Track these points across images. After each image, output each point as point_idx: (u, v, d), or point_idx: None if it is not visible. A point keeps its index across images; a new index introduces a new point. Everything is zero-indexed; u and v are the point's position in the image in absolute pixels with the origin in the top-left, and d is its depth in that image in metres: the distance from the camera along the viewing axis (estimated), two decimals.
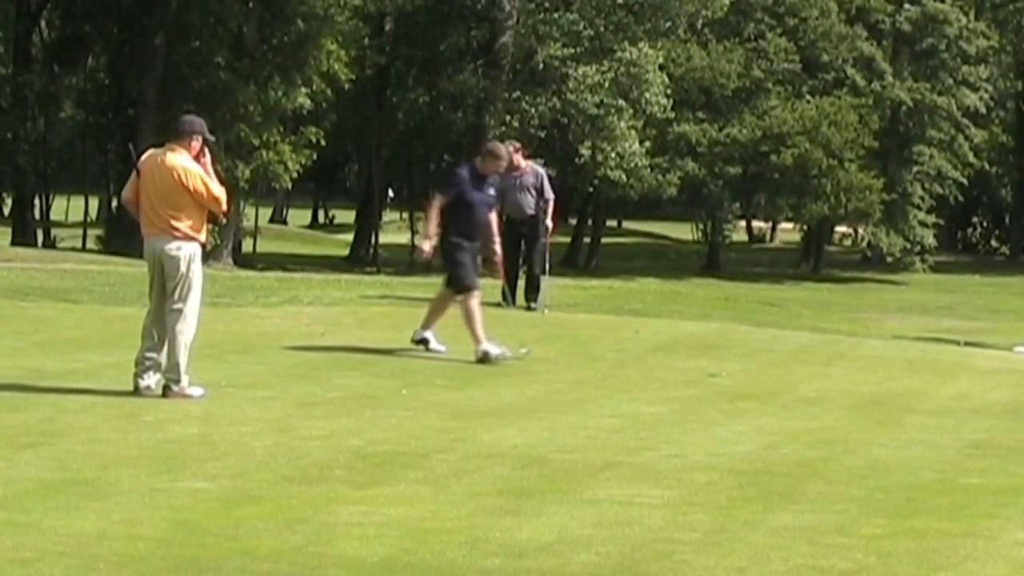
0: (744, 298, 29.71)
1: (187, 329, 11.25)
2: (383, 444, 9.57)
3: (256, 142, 39.58)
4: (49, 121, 46.81)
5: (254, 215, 55.46)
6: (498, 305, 18.77)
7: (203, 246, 11.51)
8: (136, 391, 11.22)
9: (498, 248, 15.14)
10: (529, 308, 18.35)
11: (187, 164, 11.24)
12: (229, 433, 9.76)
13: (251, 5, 40.69)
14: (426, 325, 14.66)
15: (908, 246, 60.90)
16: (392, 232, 62.82)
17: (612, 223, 75.64)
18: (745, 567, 6.63)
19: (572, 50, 43.50)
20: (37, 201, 46.44)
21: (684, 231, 73.02)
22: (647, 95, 44.23)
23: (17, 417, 10.11)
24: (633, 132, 44.91)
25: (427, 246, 14.86)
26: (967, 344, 21.12)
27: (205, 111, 32.66)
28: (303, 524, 7.21)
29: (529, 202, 18.40)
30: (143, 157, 11.58)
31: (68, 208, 62.11)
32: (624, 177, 44.67)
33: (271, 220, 78.30)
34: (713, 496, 8.15)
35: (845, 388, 13.59)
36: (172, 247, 11.23)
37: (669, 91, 45.94)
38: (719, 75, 56.54)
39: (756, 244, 79.34)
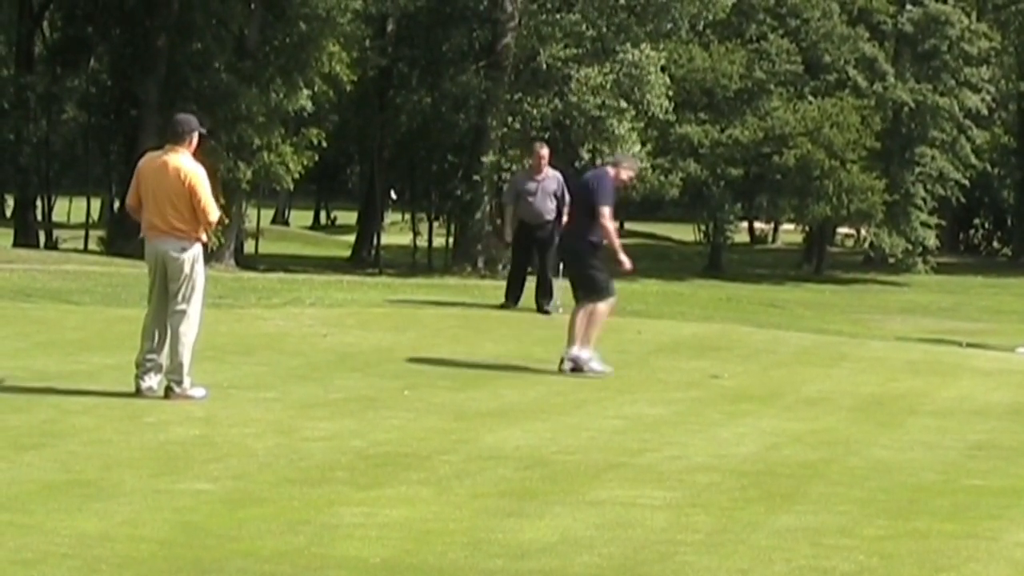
0: (746, 299, 29.70)
1: (190, 330, 11.26)
2: (385, 445, 9.57)
3: (258, 143, 39.53)
4: (51, 122, 46.77)
5: (256, 216, 55.46)
6: (501, 307, 18.80)
7: (205, 247, 11.52)
8: (138, 392, 11.23)
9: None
10: (543, 311, 18.27)
11: (189, 165, 11.25)
12: (231, 434, 9.76)
13: (253, 7, 40.66)
14: (583, 343, 13.82)
15: (910, 247, 60.87)
16: (394, 233, 62.81)
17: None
18: (747, 568, 6.63)
19: (574, 51, 43.49)
20: (39, 202, 46.41)
21: (686, 232, 72.96)
22: (649, 96, 44.17)
23: (19, 418, 10.12)
24: (635, 133, 44.87)
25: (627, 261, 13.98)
26: (969, 345, 21.14)
27: (207, 112, 32.68)
28: (305, 525, 7.21)
29: (549, 208, 18.31)
30: (144, 159, 11.58)
31: (70, 209, 62.10)
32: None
33: (273, 221, 78.26)
34: (715, 497, 8.15)
35: (847, 389, 13.60)
36: (175, 248, 11.23)
37: (671, 92, 45.90)
38: (721, 76, 56.53)
39: (758, 245, 79.30)
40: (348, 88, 43.99)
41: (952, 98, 61.72)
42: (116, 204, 42.77)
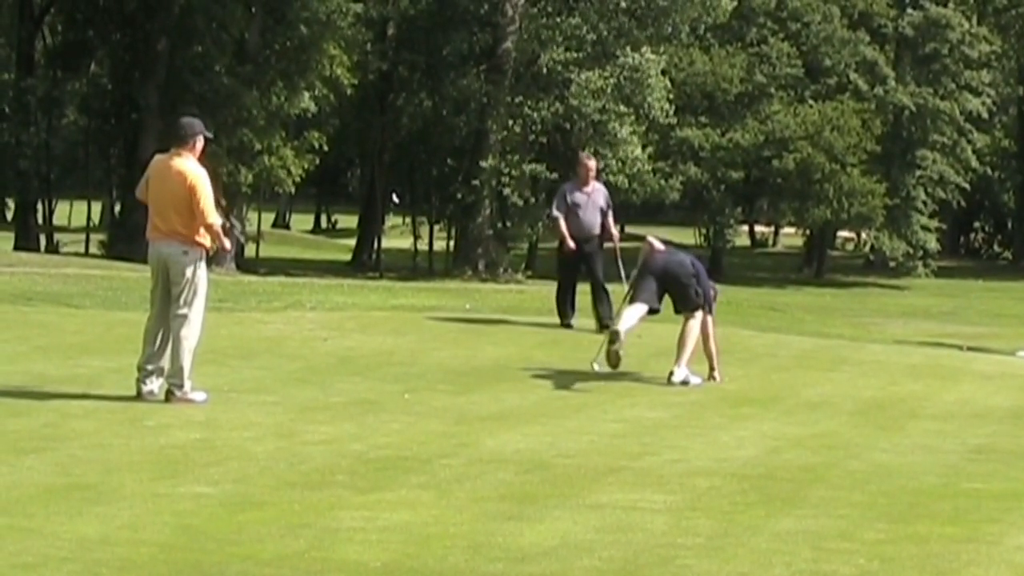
0: (747, 303, 29.70)
1: (191, 334, 11.25)
2: (385, 449, 9.57)
3: (259, 147, 39.54)
4: (52, 126, 46.78)
5: (257, 220, 55.47)
6: (567, 326, 17.70)
7: (207, 251, 11.50)
8: (139, 396, 11.23)
9: None
10: (604, 326, 16.66)
11: (193, 168, 11.25)
12: (232, 438, 9.76)
13: (254, 10, 40.67)
14: (689, 360, 13.78)
15: (911, 251, 60.91)
16: (395, 237, 62.82)
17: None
18: (748, 572, 6.63)
19: (575, 55, 43.48)
20: (40, 206, 46.42)
21: (686, 236, 72.93)
22: (649, 100, 44.16)
23: (20, 422, 10.12)
24: (635, 137, 44.87)
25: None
26: (970, 349, 21.14)
27: (208, 116, 32.60)
28: (306, 529, 7.21)
29: (596, 222, 17.57)
30: (154, 160, 11.59)
31: (71, 213, 62.11)
32: (626, 182, 44.63)
33: (274, 225, 78.24)
34: (716, 501, 8.15)
35: (848, 393, 13.59)
36: (178, 252, 11.23)
37: (672, 96, 45.91)
38: (722, 80, 56.56)
39: (758, 249, 79.32)
40: (349, 92, 44.01)
41: (953, 102, 61.76)
42: (117, 207, 42.82)
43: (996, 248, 79.50)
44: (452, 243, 47.93)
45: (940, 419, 12.02)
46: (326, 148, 42.42)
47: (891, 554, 6.97)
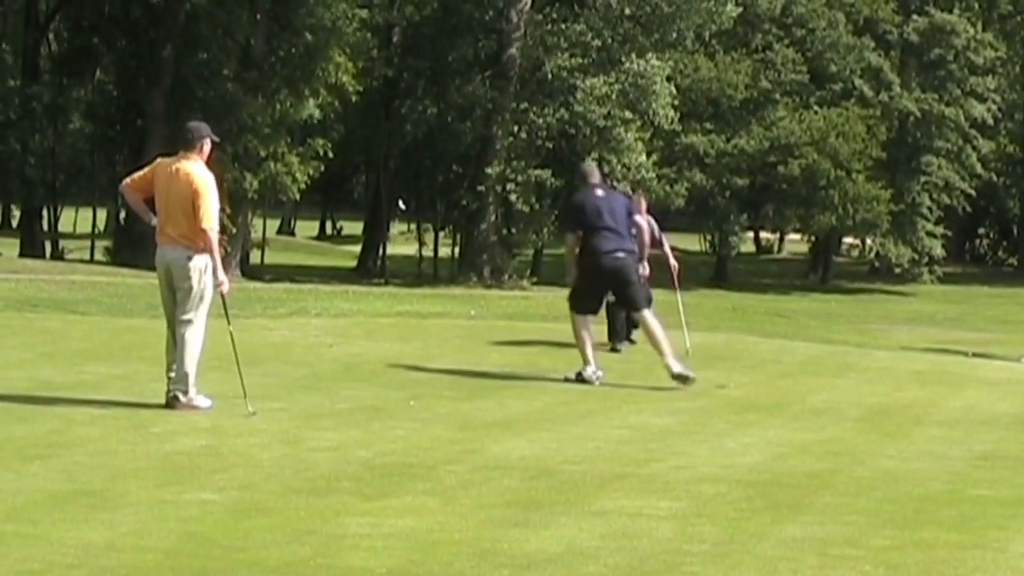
0: (752, 309, 29.71)
1: (197, 340, 11.26)
2: (391, 455, 9.57)
3: (264, 153, 39.59)
4: (57, 133, 46.86)
5: (262, 226, 55.50)
6: (614, 350, 17.22)
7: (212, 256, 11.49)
8: (168, 405, 11.19)
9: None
10: (631, 342, 17.26)
11: (199, 172, 11.26)
12: (237, 444, 9.76)
13: (259, 17, 40.71)
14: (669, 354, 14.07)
15: (916, 257, 60.88)
16: (400, 243, 62.84)
17: None
18: None
19: (580, 61, 43.51)
20: (45, 213, 46.50)
21: (692, 242, 72.96)
22: (655, 106, 44.18)
23: (25, 429, 10.12)
24: (640, 143, 44.88)
25: None
26: (975, 355, 21.13)
27: (213, 122, 32.55)
28: (311, 536, 7.21)
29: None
30: (159, 162, 11.57)
31: (76, 220, 62.18)
32: (631, 189, 44.62)
33: (279, 231, 78.34)
34: (721, 508, 8.14)
35: (853, 399, 13.58)
36: (182, 256, 11.24)
37: (676, 102, 45.91)
38: (727, 86, 56.54)
39: (764, 255, 79.30)
40: (354, 98, 44.03)
41: (958, 108, 61.75)
42: (122, 214, 42.84)
43: (1001, 254, 79.45)
44: (457, 249, 47.95)
45: (946, 425, 12.01)
46: (331, 155, 42.43)
47: (897, 561, 6.96)
